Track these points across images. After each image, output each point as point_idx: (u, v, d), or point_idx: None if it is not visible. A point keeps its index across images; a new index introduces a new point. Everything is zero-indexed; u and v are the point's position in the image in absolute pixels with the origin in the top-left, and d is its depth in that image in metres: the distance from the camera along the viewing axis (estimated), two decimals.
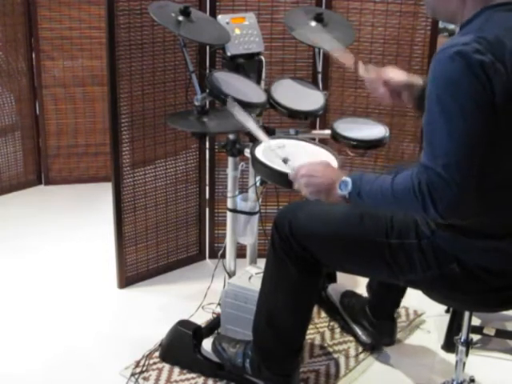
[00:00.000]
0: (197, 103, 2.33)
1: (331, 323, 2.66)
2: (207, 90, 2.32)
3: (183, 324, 2.42)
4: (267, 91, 2.45)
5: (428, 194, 1.58)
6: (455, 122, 1.56)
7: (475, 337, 2.47)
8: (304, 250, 2.00)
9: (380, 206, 1.76)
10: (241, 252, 2.66)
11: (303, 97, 2.54)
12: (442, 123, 1.58)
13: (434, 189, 1.57)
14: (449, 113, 1.57)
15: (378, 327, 2.48)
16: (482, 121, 1.57)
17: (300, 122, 2.86)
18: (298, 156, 2.00)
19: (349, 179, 1.75)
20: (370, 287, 2.51)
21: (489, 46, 1.57)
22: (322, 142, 2.44)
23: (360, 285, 2.80)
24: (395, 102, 2.13)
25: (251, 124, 2.09)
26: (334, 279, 2.76)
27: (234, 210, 2.49)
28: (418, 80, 2.06)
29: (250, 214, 2.49)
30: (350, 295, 2.64)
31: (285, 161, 1.99)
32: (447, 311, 2.66)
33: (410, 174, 1.63)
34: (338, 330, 2.63)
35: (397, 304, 2.47)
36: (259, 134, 2.09)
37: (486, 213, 1.70)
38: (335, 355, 2.49)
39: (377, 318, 2.47)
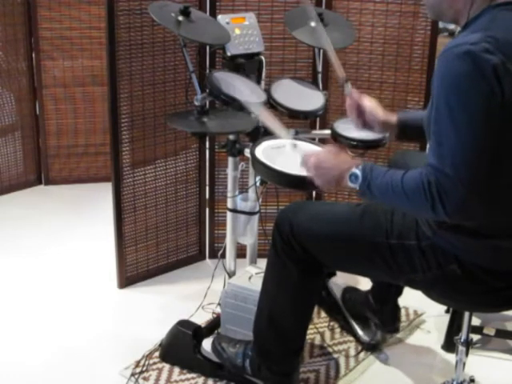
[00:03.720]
0: (197, 103, 2.33)
1: (331, 323, 2.66)
2: (207, 90, 2.32)
3: (183, 324, 2.42)
4: (267, 91, 2.45)
5: (437, 194, 1.57)
6: (462, 124, 1.56)
7: (475, 337, 2.47)
8: (305, 251, 2.00)
9: (388, 201, 1.75)
10: (241, 252, 2.66)
11: (303, 97, 2.54)
12: (449, 124, 1.57)
13: (443, 189, 1.57)
14: (456, 114, 1.56)
15: (382, 314, 2.46)
16: (490, 122, 1.56)
17: (300, 122, 2.88)
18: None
19: (359, 172, 1.73)
20: None
21: (498, 45, 1.56)
22: (322, 142, 2.44)
23: (361, 281, 2.79)
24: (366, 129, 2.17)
25: (273, 123, 2.09)
26: (334, 272, 2.75)
27: (234, 210, 2.49)
28: (392, 118, 2.11)
29: (250, 214, 2.49)
30: (350, 290, 2.64)
31: (294, 145, 1.97)
32: (447, 311, 2.66)
33: (420, 173, 1.62)
34: (338, 330, 2.63)
35: (399, 291, 2.45)
36: (281, 132, 2.08)
37: (493, 213, 1.70)
38: (335, 355, 2.49)
39: (380, 304, 2.45)
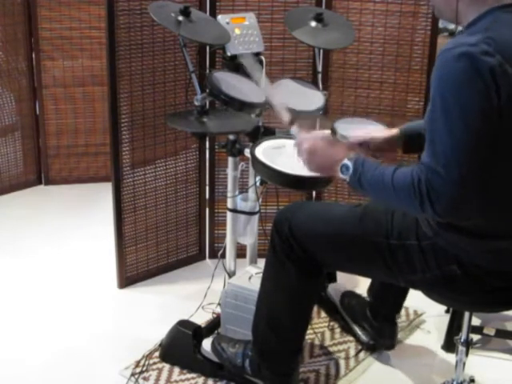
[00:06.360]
0: (197, 103, 2.33)
1: (331, 323, 2.66)
2: (207, 90, 2.32)
3: (183, 324, 2.42)
4: None
5: (426, 192, 1.57)
6: (456, 123, 1.56)
7: (475, 337, 2.47)
8: (304, 250, 1.99)
9: (377, 195, 1.75)
10: (241, 252, 2.66)
11: (303, 97, 2.54)
12: (444, 123, 1.57)
13: (433, 188, 1.57)
14: (451, 113, 1.56)
15: (379, 330, 2.47)
16: (484, 123, 1.56)
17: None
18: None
19: (350, 164, 1.73)
20: (370, 290, 2.50)
21: (497, 47, 1.56)
22: None
23: (360, 285, 2.80)
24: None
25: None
26: (334, 279, 2.76)
27: (234, 210, 2.49)
28: (394, 132, 2.09)
29: (250, 214, 2.49)
30: (350, 295, 2.64)
31: (291, 122, 1.97)
32: (447, 311, 2.66)
33: (411, 170, 1.62)
34: (338, 330, 2.63)
35: (398, 308, 2.47)
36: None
37: (486, 213, 1.70)
38: (335, 355, 2.48)
39: (378, 321, 2.46)
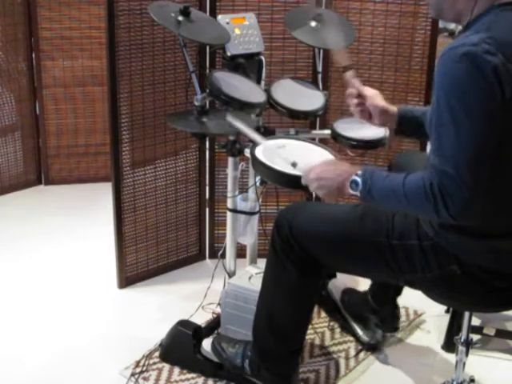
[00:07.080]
0: (197, 103, 2.33)
1: (331, 323, 2.66)
2: (207, 90, 2.32)
3: (183, 324, 2.42)
4: (267, 91, 2.45)
5: (440, 195, 1.57)
6: (463, 125, 1.56)
7: (475, 337, 2.46)
8: (304, 251, 1.99)
9: (390, 205, 1.75)
10: (241, 252, 2.66)
11: (303, 97, 2.54)
12: (451, 125, 1.57)
13: (446, 190, 1.57)
14: (457, 115, 1.56)
15: (381, 314, 2.47)
16: (490, 123, 1.56)
17: (300, 122, 2.88)
18: (301, 157, 1.98)
19: (359, 179, 1.74)
20: None
21: (499, 46, 1.56)
22: (322, 142, 2.44)
23: (360, 282, 2.79)
24: (364, 119, 2.16)
25: (247, 129, 2.10)
26: (333, 275, 2.75)
27: (234, 210, 2.49)
28: (393, 108, 2.08)
29: (250, 214, 2.49)
30: (350, 292, 2.64)
31: (294, 165, 1.95)
32: (447, 311, 2.66)
33: (421, 175, 1.62)
34: (338, 330, 2.63)
35: (398, 290, 2.46)
36: (256, 137, 2.09)
37: (496, 214, 1.70)
38: (335, 355, 2.48)
39: (379, 305, 2.46)
